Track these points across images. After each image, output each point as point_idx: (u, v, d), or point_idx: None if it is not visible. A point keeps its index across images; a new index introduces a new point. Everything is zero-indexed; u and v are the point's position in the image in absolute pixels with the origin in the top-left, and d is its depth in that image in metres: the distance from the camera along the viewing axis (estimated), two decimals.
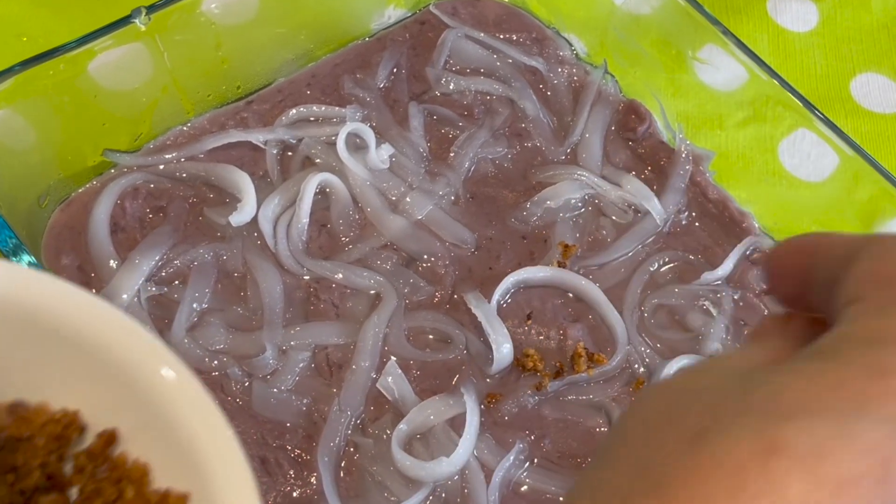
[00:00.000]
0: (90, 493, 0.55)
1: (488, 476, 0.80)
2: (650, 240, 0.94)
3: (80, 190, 0.92)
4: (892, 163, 1.03)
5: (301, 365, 0.84)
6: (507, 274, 0.89)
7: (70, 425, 0.57)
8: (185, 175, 0.92)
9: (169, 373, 0.54)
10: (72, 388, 0.57)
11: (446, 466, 0.78)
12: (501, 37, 1.05)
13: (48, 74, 0.85)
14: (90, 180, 0.92)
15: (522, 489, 0.81)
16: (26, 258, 0.75)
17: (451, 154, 0.96)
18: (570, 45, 1.06)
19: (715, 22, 0.93)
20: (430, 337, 0.87)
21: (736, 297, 0.91)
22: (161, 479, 0.55)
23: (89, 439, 0.57)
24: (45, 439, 0.56)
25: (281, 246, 0.89)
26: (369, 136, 0.93)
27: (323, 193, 0.92)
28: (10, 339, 0.56)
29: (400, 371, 0.83)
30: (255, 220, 0.90)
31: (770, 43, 1.12)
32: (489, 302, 0.87)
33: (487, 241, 0.93)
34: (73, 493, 0.57)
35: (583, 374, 0.85)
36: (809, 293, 0.42)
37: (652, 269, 0.92)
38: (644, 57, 1.01)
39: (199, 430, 0.53)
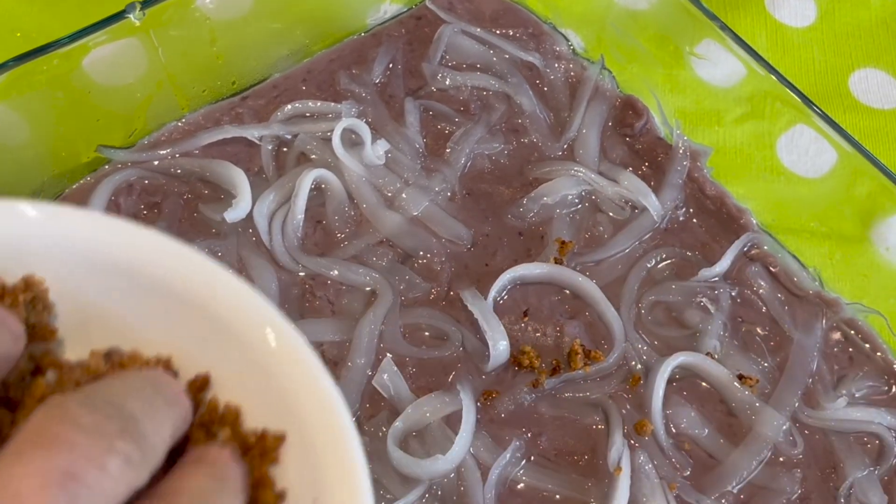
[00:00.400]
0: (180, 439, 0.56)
1: (485, 474, 0.80)
2: (647, 236, 0.94)
3: (73, 186, 0.91)
4: (890, 159, 1.03)
5: None
6: (503, 270, 0.89)
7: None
8: (179, 171, 0.92)
9: (268, 329, 0.55)
10: (164, 336, 0.58)
11: (442, 464, 0.78)
12: (498, 32, 1.04)
13: (42, 70, 0.84)
14: (84, 177, 0.92)
15: (519, 487, 0.81)
16: None
17: (448, 150, 0.96)
18: (567, 40, 1.05)
19: (713, 17, 0.93)
20: (426, 334, 0.87)
21: (734, 294, 0.91)
22: (255, 422, 0.55)
23: (181, 386, 0.57)
24: None
25: (276, 242, 0.88)
26: (365, 131, 0.93)
27: (318, 189, 0.92)
28: (103, 287, 0.57)
29: (396, 368, 0.83)
30: (250, 216, 0.89)
31: (768, 38, 1.12)
32: (485, 299, 0.87)
33: (484, 237, 0.92)
34: None
35: (579, 372, 0.84)
36: None
37: (649, 265, 0.92)
38: (641, 52, 1.00)
39: (296, 377, 0.54)
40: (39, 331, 0.57)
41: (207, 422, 0.56)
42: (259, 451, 0.54)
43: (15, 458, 0.38)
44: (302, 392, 0.54)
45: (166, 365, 0.57)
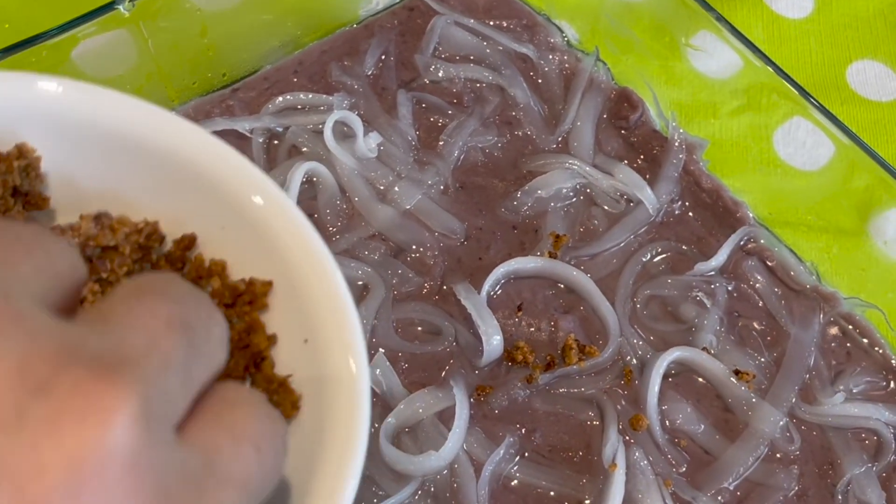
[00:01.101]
0: None
1: (478, 470, 0.79)
2: (643, 230, 0.93)
3: None
4: (888, 151, 1.03)
5: None
6: (497, 264, 0.88)
7: (152, 235, 0.59)
8: None
9: (250, 183, 0.57)
10: (151, 200, 0.59)
11: (435, 460, 0.77)
12: (491, 23, 1.03)
13: (31, 62, 0.83)
14: None
15: (513, 483, 0.80)
16: None
17: (440, 143, 0.95)
18: (562, 31, 1.05)
19: (708, 8, 0.92)
20: (419, 328, 0.86)
21: (730, 289, 0.90)
22: (243, 273, 0.58)
23: (168, 247, 0.60)
24: (129, 248, 0.58)
25: None
26: (357, 124, 0.92)
27: (310, 183, 0.91)
28: (90, 153, 0.58)
29: (388, 363, 0.82)
30: None
31: (765, 30, 1.11)
32: (479, 293, 0.86)
33: (477, 231, 0.91)
34: None
35: (574, 367, 0.84)
36: None
37: (644, 259, 0.92)
38: (636, 44, 1.00)
39: (279, 226, 0.56)
40: (33, 199, 0.59)
41: (195, 278, 0.58)
42: (249, 299, 0.57)
43: (135, 299, 0.39)
44: (285, 239, 0.56)
45: (154, 229, 0.59)
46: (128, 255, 0.58)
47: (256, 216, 0.56)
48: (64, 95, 0.57)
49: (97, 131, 0.57)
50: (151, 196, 0.59)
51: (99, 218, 0.58)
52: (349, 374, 0.52)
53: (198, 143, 0.57)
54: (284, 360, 0.56)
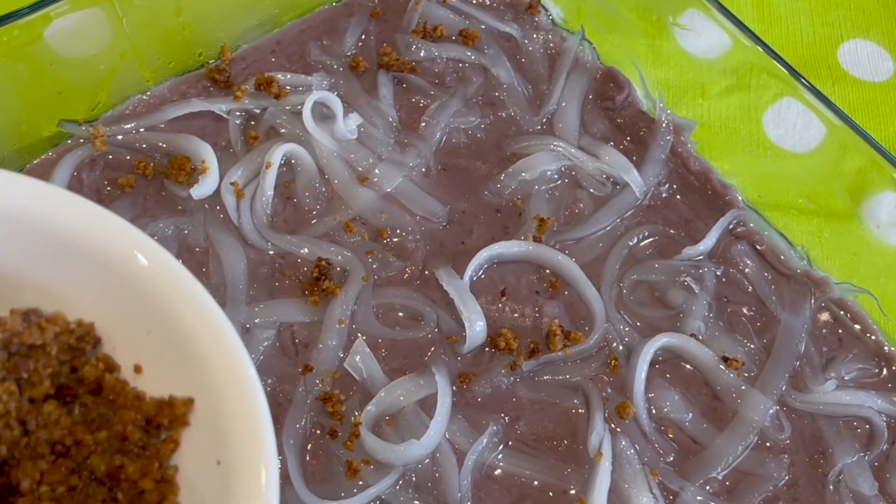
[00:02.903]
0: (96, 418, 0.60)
1: (461, 459, 0.78)
2: (629, 213, 0.92)
3: (35, 161, 0.89)
4: (881, 133, 1.02)
5: (265, 343, 0.81)
6: (480, 249, 0.87)
7: (85, 337, 0.60)
8: (144, 146, 0.90)
9: (181, 297, 0.60)
10: (89, 300, 0.61)
11: (417, 449, 0.76)
12: (474, 1, 1.02)
13: (2, 41, 0.82)
14: (46, 151, 0.89)
15: (496, 473, 0.79)
16: None
17: (422, 124, 0.94)
18: (546, 10, 1.03)
19: None
20: (400, 314, 0.85)
21: (718, 273, 0.89)
22: (161, 380, 0.60)
23: (105, 349, 0.62)
24: (57, 349, 0.59)
25: (244, 219, 0.86)
26: (336, 105, 0.91)
27: (288, 165, 0.90)
28: (25, 249, 0.60)
29: (368, 350, 0.81)
30: (217, 192, 0.87)
31: (754, 8, 1.10)
32: (461, 278, 0.85)
33: (460, 214, 0.90)
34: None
35: (559, 353, 0.83)
36: None
37: (631, 243, 0.90)
38: (623, 23, 0.99)
39: (207, 344, 0.58)
40: None
41: (111, 402, 0.61)
42: (168, 419, 0.58)
43: None
44: (210, 353, 0.57)
45: (87, 330, 0.60)
46: (54, 355, 0.59)
47: (184, 325, 0.58)
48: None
49: (34, 225, 0.59)
50: (89, 295, 0.60)
51: (28, 314, 0.59)
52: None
53: (135, 244, 0.60)
54: (194, 480, 0.58)
